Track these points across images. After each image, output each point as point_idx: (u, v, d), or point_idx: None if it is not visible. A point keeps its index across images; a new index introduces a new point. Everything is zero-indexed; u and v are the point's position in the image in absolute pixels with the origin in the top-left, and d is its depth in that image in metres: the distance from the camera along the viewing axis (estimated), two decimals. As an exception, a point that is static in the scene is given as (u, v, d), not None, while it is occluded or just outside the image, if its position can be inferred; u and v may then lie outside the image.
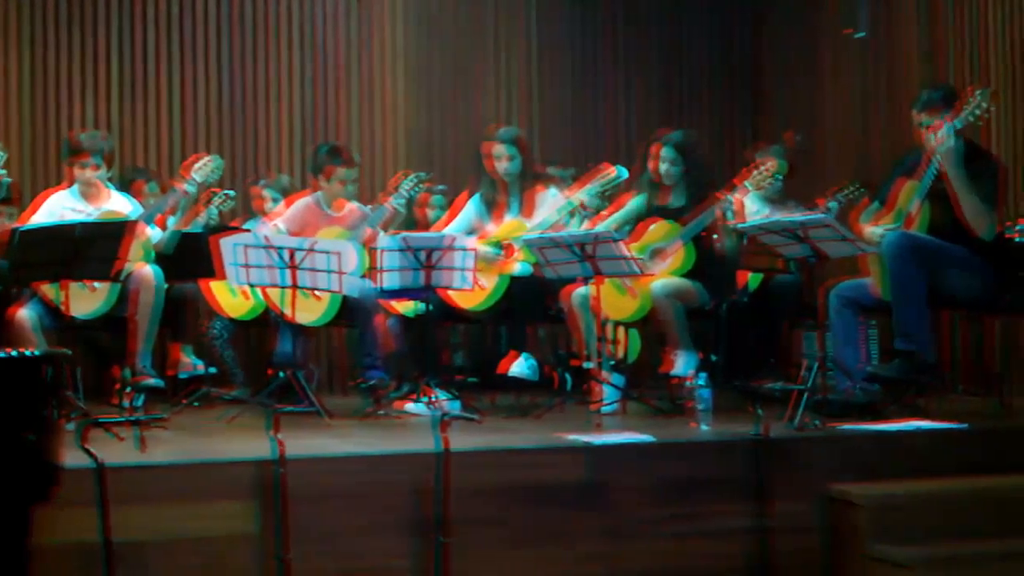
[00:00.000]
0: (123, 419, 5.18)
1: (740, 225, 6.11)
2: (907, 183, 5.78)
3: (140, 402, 5.91)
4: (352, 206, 6.83)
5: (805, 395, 5.33)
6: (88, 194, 6.41)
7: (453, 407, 6.03)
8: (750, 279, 6.74)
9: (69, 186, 6.46)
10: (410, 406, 6.21)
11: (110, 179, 6.56)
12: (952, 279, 5.63)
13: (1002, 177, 5.93)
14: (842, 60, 8.54)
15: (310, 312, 6.32)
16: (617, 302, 6.32)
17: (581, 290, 6.28)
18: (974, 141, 5.75)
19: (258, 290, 6.47)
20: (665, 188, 6.48)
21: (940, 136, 5.57)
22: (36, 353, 3.55)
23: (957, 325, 7.23)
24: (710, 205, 6.25)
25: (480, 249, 6.28)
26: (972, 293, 5.70)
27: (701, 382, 5.61)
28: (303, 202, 6.84)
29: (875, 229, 5.83)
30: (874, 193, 6.14)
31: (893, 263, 5.57)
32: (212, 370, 7.03)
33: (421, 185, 6.79)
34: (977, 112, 5.58)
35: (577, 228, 6.50)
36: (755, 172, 6.35)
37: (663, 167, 6.44)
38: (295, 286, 5.78)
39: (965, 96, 5.65)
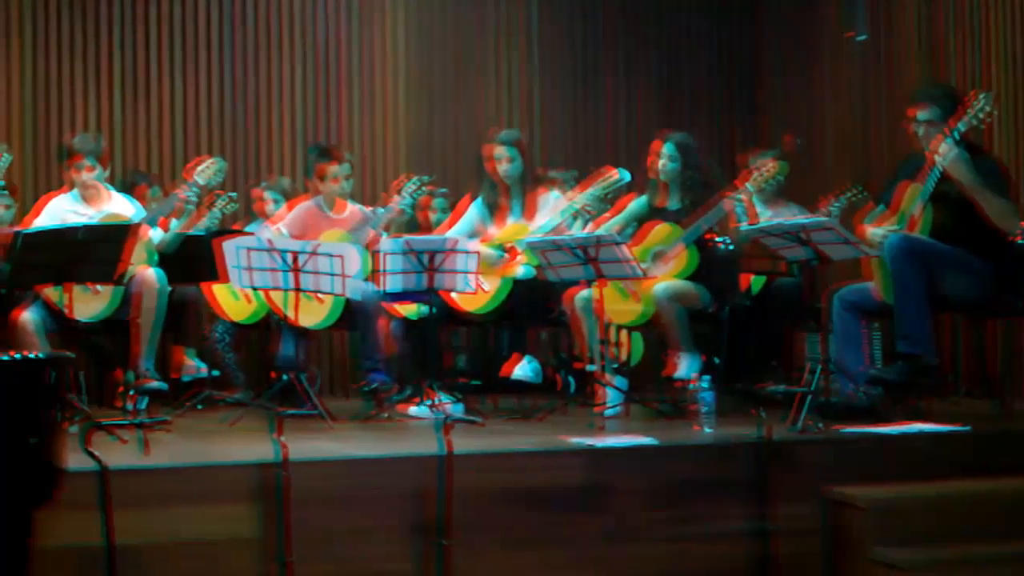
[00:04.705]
0: (126, 422, 5.18)
1: (743, 228, 6.11)
2: (910, 186, 5.79)
3: (143, 405, 5.92)
4: (354, 208, 6.83)
5: (808, 398, 5.32)
6: (88, 197, 6.42)
7: (456, 410, 6.04)
8: (752, 282, 6.74)
9: (70, 190, 6.48)
10: (413, 409, 6.21)
11: (108, 180, 6.56)
12: (953, 281, 5.63)
13: (1004, 168, 5.96)
14: (842, 63, 8.55)
15: (312, 315, 6.32)
16: (619, 305, 6.32)
17: (584, 293, 6.28)
18: (970, 140, 5.76)
19: (260, 293, 6.47)
20: (663, 190, 6.49)
21: (942, 150, 5.57)
22: (39, 356, 3.55)
23: (959, 327, 7.23)
24: (711, 208, 6.25)
25: (483, 252, 6.29)
26: (973, 295, 5.71)
27: (704, 385, 5.61)
28: (304, 205, 6.84)
29: (876, 230, 5.83)
30: (876, 196, 6.15)
31: (894, 265, 5.58)
32: (215, 373, 7.04)
33: (423, 188, 6.79)
34: (980, 116, 5.59)
35: (579, 231, 6.50)
36: (756, 174, 6.35)
37: (661, 163, 6.45)
38: (298, 289, 5.78)
39: (968, 100, 5.66)
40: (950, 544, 4.78)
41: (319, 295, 6.14)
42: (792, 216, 6.26)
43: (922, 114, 5.82)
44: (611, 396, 6.07)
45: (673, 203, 6.47)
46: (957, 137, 5.61)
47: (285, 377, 6.10)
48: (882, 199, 6.03)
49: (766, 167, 6.39)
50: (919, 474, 5.07)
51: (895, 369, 5.65)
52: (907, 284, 5.56)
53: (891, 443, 5.17)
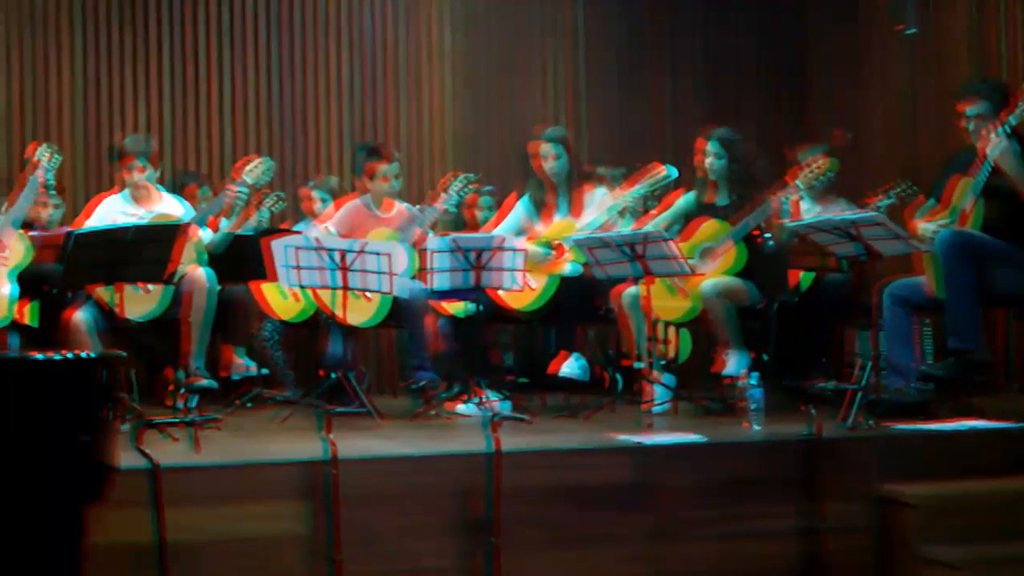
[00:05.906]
0: (177, 420, 5.22)
1: (791, 224, 6.07)
2: (962, 180, 5.73)
3: (194, 403, 5.96)
4: (401, 207, 6.85)
5: (858, 394, 5.29)
6: (139, 197, 6.48)
7: (503, 408, 6.04)
8: (801, 278, 6.69)
9: (120, 190, 6.53)
10: (460, 407, 6.22)
11: (159, 180, 6.62)
12: (1005, 277, 5.58)
13: None
14: (890, 56, 8.47)
15: (360, 313, 6.35)
16: (667, 302, 6.30)
17: (631, 290, 6.26)
18: (1021, 134, 5.70)
19: (308, 292, 6.51)
20: (712, 186, 6.46)
21: (993, 140, 5.52)
22: (91, 355, 3.58)
23: (1011, 323, 7.15)
24: (759, 204, 6.22)
25: (530, 249, 6.29)
26: (1026, 291, 5.65)
27: (752, 382, 5.58)
28: (352, 204, 6.87)
29: (927, 225, 5.79)
30: (927, 190, 6.09)
31: (946, 261, 5.53)
32: (264, 371, 7.08)
33: (470, 186, 6.80)
34: (1033, 109, 5.54)
35: (627, 228, 6.48)
36: (807, 171, 6.30)
37: (707, 161, 6.43)
38: (346, 287, 5.80)
39: (1019, 94, 5.60)
40: (1002, 542, 4.73)
41: (367, 293, 6.16)
42: (841, 211, 6.21)
43: (972, 108, 5.77)
44: (659, 393, 6.06)
45: (721, 199, 6.44)
46: (1008, 131, 5.55)
47: (333, 375, 6.13)
48: (933, 193, 5.98)
49: (817, 164, 6.34)
50: (971, 471, 5.02)
51: (946, 365, 5.60)
52: (958, 279, 5.51)
53: (942, 440, 5.13)
